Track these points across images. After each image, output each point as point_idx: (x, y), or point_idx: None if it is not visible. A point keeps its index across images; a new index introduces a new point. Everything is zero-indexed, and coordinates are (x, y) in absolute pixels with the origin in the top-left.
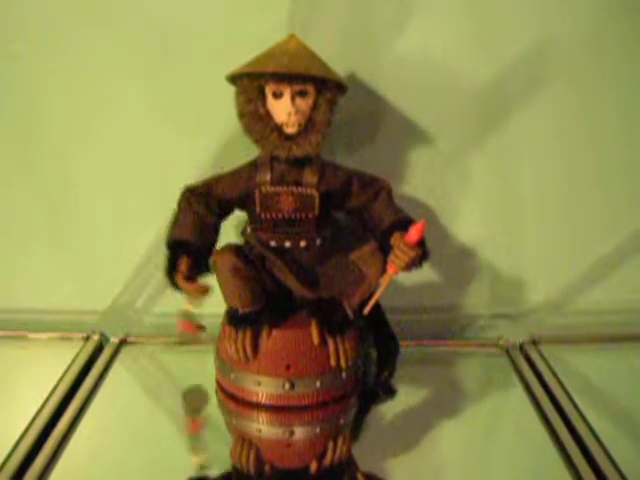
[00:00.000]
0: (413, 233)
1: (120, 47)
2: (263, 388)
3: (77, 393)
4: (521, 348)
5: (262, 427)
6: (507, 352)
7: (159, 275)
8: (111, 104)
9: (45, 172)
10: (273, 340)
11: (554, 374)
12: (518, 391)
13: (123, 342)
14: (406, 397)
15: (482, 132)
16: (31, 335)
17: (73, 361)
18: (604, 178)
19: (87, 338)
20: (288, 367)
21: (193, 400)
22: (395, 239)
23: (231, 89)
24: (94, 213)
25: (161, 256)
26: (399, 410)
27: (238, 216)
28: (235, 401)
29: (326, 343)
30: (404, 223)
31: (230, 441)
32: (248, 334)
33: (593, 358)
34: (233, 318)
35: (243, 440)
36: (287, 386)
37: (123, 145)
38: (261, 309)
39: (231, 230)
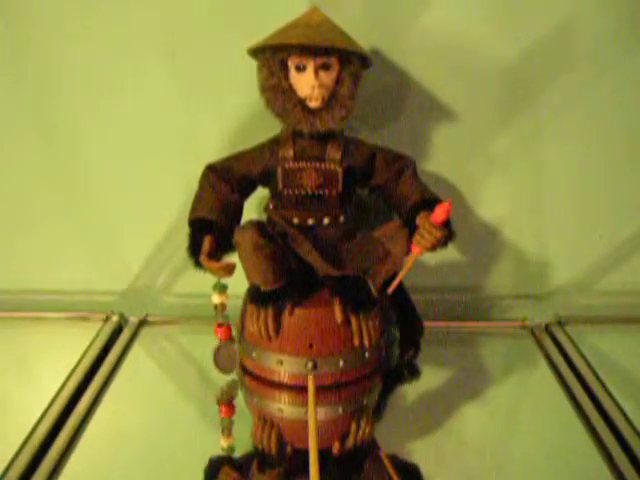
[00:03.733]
0: (439, 213)
1: (139, 20)
2: (285, 367)
3: (96, 374)
4: (547, 328)
5: (284, 407)
6: (532, 332)
7: (179, 255)
8: (131, 78)
9: (64, 152)
10: (296, 318)
11: (581, 354)
12: (544, 371)
13: (143, 323)
14: (431, 378)
15: (508, 111)
16: (50, 316)
17: (92, 342)
18: (631, 158)
19: (106, 319)
20: (311, 346)
21: (228, 388)
22: (420, 219)
23: (253, 63)
24: (114, 192)
25: (181, 235)
26: (423, 391)
27: (260, 193)
28: (257, 380)
29: (349, 322)
30: (430, 202)
31: (252, 421)
32: (270, 312)
33: (620, 338)
34: (255, 296)
35: (264, 420)
36: (310, 365)
37: (144, 122)
38: (284, 287)
39: (252, 208)
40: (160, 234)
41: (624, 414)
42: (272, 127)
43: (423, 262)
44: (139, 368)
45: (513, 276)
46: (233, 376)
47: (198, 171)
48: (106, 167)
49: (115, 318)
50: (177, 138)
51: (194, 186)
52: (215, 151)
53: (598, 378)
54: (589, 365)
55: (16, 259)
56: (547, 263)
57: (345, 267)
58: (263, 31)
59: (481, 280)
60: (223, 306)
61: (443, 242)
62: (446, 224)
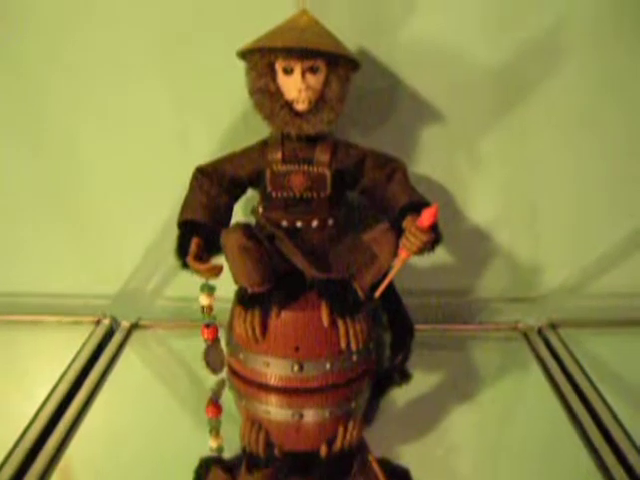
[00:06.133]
0: (425, 217)
1: (130, 26)
2: (272, 369)
3: (88, 377)
4: (540, 332)
5: (271, 409)
6: (525, 336)
7: (171, 258)
8: (121, 84)
9: (55, 155)
10: (282, 321)
11: (573, 358)
12: (537, 375)
13: (134, 326)
14: (422, 382)
15: (498, 112)
16: (41, 319)
17: (84, 345)
18: (624, 161)
19: (98, 322)
20: (297, 349)
21: (217, 388)
22: (407, 223)
23: (243, 65)
24: (105, 195)
25: (172, 238)
26: (414, 395)
27: (248, 195)
28: (244, 382)
29: (336, 325)
30: (417, 206)
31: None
32: (257, 314)
33: (612, 341)
34: (242, 298)
35: (252, 422)
36: (296, 368)
37: (134, 126)
38: (270, 289)
39: (241, 210)
40: (152, 237)
41: (616, 418)
42: (262, 129)
43: (415, 265)
44: (131, 371)
45: (505, 279)
46: (222, 375)
47: (189, 174)
48: (98, 171)
49: (107, 321)
50: (168, 141)
51: (185, 189)
52: (205, 154)
53: (590, 382)
54: (582, 369)
55: (8, 263)
56: (540, 266)
57: (332, 270)
58: (253, 34)
59: (473, 283)
60: (210, 307)
61: (430, 246)
62: (433, 228)
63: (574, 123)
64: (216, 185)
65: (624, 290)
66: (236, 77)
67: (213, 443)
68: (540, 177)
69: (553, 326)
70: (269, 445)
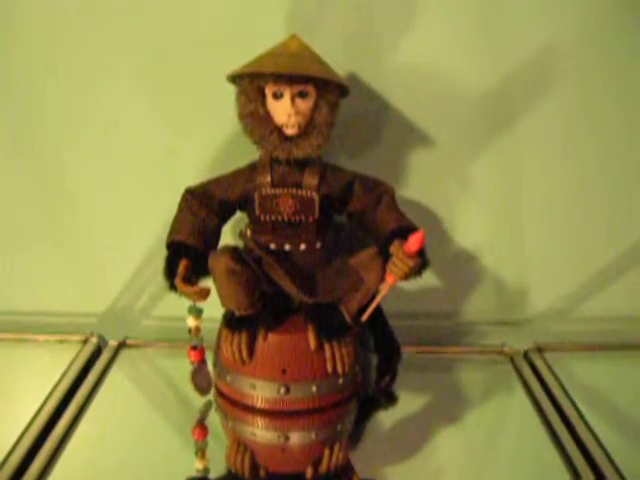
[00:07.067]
0: (412, 243)
1: (120, 46)
2: (258, 392)
3: (75, 396)
4: (525, 355)
5: (257, 431)
6: (511, 359)
7: (159, 278)
8: (111, 104)
9: (44, 173)
10: (269, 344)
11: (558, 381)
12: (522, 398)
13: (122, 345)
14: (408, 404)
15: (486, 137)
16: (28, 337)
17: (71, 364)
18: (610, 185)
19: (85, 341)
20: (284, 371)
21: (204, 409)
22: (394, 248)
23: (233, 89)
24: (94, 215)
25: (161, 258)
26: (400, 417)
27: (236, 217)
28: (231, 404)
29: (323, 348)
30: (405, 231)
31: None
32: (244, 337)
33: (598, 365)
34: (229, 320)
35: (238, 443)
36: (282, 390)
37: (123, 146)
38: (258, 312)
39: (228, 232)
40: (140, 257)
41: (599, 442)
42: (251, 152)
43: (402, 287)
44: (118, 391)
45: (492, 302)
46: (209, 397)
47: (178, 195)
48: (87, 190)
49: (94, 340)
50: (157, 162)
51: (174, 210)
52: (195, 175)
53: (575, 406)
54: (566, 393)
55: None
56: (526, 289)
57: (319, 294)
58: (243, 57)
59: (460, 306)
60: (197, 329)
61: (417, 271)
62: (420, 253)
63: (561, 148)
64: (205, 207)
65: (610, 314)
66: (226, 100)
67: (199, 464)
68: (527, 200)
69: (539, 349)
70: (255, 467)
